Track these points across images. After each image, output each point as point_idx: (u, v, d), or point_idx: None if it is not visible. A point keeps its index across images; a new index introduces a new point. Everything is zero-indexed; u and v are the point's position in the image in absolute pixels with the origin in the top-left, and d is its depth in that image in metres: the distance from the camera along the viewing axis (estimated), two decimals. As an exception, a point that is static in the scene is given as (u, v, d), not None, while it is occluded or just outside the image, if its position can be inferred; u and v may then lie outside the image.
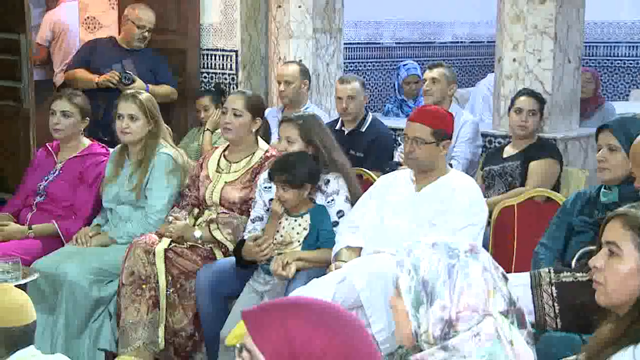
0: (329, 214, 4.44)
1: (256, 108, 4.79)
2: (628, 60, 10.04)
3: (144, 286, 4.54)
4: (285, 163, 4.37)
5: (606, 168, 3.81)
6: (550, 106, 5.56)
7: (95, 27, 8.82)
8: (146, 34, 6.54)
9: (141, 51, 6.63)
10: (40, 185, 5.24)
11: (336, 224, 4.42)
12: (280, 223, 4.43)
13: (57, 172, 5.23)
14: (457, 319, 2.15)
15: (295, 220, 4.42)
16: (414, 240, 2.29)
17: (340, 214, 4.44)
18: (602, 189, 3.88)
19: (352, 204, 4.48)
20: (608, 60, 10.07)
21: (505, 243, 4.54)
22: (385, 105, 7.88)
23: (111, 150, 5.25)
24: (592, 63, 9.48)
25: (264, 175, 4.62)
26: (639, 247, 2.46)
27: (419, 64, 7.61)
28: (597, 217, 3.80)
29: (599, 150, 3.85)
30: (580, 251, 3.77)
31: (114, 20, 7.56)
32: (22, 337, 2.90)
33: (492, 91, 6.59)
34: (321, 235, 4.39)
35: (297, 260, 4.29)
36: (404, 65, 7.57)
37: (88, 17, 8.97)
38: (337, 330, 1.74)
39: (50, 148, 5.36)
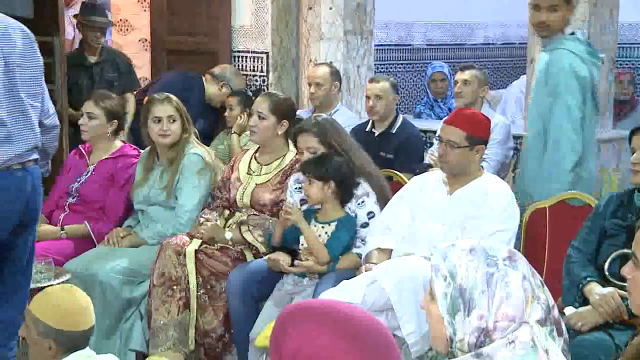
0: (355, 227, 4.42)
1: (282, 111, 4.77)
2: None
3: (174, 287, 4.55)
4: (318, 157, 4.42)
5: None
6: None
7: (127, 30, 8.87)
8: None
9: None
10: (72, 186, 5.26)
11: (366, 225, 4.42)
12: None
13: (89, 174, 5.25)
14: (494, 329, 2.11)
15: (323, 227, 4.41)
16: (449, 244, 2.24)
17: (371, 215, 4.42)
18: (637, 192, 3.83)
19: (379, 205, 4.47)
20: (641, 60, 9.98)
21: (537, 246, 4.49)
22: (416, 107, 7.88)
23: (142, 152, 5.27)
24: (626, 64, 9.38)
25: (295, 176, 4.62)
26: None
27: (449, 66, 7.59)
28: (631, 220, 3.76)
29: (633, 153, 3.79)
30: (613, 255, 3.73)
31: (146, 23, 7.59)
32: (82, 340, 2.92)
33: (524, 93, 6.55)
34: (334, 241, 4.38)
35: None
36: (431, 64, 7.60)
37: (120, 20, 9.03)
38: (358, 345, 1.73)
39: (82, 150, 5.38)
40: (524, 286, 2.14)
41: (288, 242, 4.43)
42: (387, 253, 4.26)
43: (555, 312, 2.20)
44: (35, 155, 3.71)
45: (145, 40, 7.57)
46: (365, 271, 4.13)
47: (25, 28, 3.77)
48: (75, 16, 6.99)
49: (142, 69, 7.84)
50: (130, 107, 6.55)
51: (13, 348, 3.99)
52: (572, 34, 4.78)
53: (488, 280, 2.13)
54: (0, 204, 3.52)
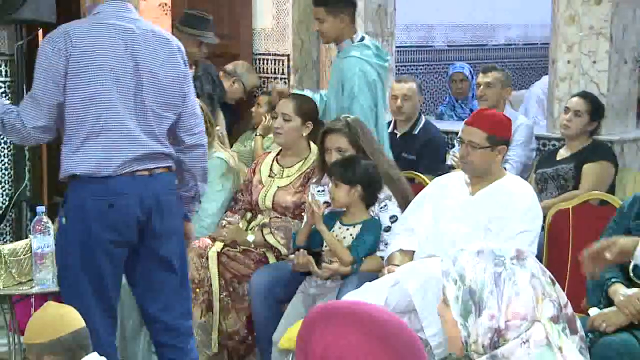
0: (380, 230, 4.41)
1: (307, 113, 4.79)
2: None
3: (197, 290, 4.56)
4: (346, 160, 4.41)
5: None
6: (606, 108, 5.47)
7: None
8: None
9: None
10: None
11: (389, 228, 4.41)
12: (332, 231, 4.42)
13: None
14: (506, 328, 2.11)
15: (347, 230, 4.41)
16: (459, 249, 2.25)
17: (394, 218, 4.41)
18: (663, 192, 3.82)
19: (401, 209, 4.46)
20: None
21: (560, 247, 4.48)
22: (438, 108, 7.87)
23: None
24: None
25: (313, 180, 4.64)
26: None
27: (471, 67, 7.58)
28: (657, 221, 3.75)
29: None
30: (638, 256, 3.72)
31: (167, 27, 7.62)
32: (77, 345, 2.94)
33: (546, 94, 6.53)
34: (358, 243, 4.36)
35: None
36: (452, 64, 7.60)
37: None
38: (386, 346, 1.73)
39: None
40: (532, 284, 2.14)
41: (313, 244, 4.43)
42: (410, 255, 4.25)
43: (569, 310, 2.19)
44: (167, 164, 3.65)
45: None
46: (388, 273, 4.13)
47: (174, 39, 3.76)
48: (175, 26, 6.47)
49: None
50: (220, 118, 6.44)
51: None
52: (362, 39, 5.23)
53: (496, 280, 2.14)
54: (119, 208, 3.50)
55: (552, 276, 2.20)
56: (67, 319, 3.00)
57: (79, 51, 3.45)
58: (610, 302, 3.70)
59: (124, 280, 4.64)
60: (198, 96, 6.11)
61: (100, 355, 3.19)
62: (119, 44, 3.50)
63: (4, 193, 6.23)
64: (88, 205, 3.50)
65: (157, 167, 3.59)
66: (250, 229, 4.81)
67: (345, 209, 4.43)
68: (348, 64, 5.08)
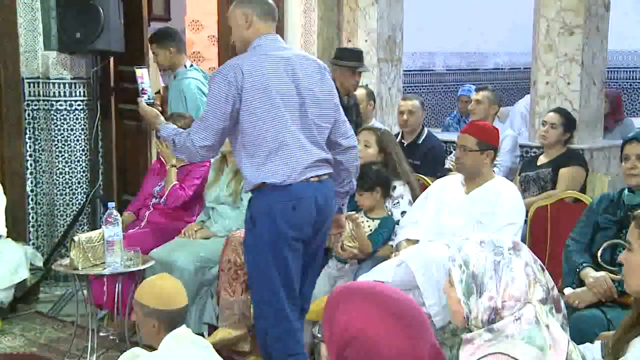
0: (393, 225, 4.40)
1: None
2: (644, 82, 9.93)
3: (239, 272, 4.57)
4: (360, 172, 4.38)
5: (636, 174, 3.70)
6: (578, 122, 5.45)
7: (199, 60, 8.93)
8: None
9: None
10: (155, 189, 5.31)
11: (399, 222, 4.40)
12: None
13: (168, 179, 5.29)
14: (503, 307, 2.12)
15: (368, 222, 4.42)
16: (463, 238, 2.25)
17: (404, 214, 4.41)
18: (626, 191, 3.78)
19: (411, 205, 4.47)
20: (627, 82, 9.92)
21: (541, 237, 4.47)
22: (446, 119, 7.89)
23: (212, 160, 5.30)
24: (614, 85, 9.31)
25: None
26: None
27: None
28: (620, 215, 3.73)
29: (627, 160, 3.74)
30: (605, 244, 3.70)
31: (214, 54, 7.65)
32: (179, 318, 2.95)
33: (528, 109, 6.51)
34: (377, 237, 4.38)
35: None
36: (462, 87, 7.63)
37: (193, 52, 9.09)
38: (399, 319, 1.73)
39: (163, 159, 5.42)
40: (526, 271, 2.13)
41: None
42: (414, 243, 4.25)
43: (555, 293, 2.19)
44: (328, 170, 3.62)
45: (214, 68, 7.62)
46: (394, 257, 4.14)
47: (318, 60, 3.73)
48: (330, 61, 5.96)
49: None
50: None
51: None
52: (192, 66, 5.83)
53: (495, 267, 2.13)
54: (301, 210, 3.47)
55: (542, 264, 2.20)
56: (181, 296, 3.01)
57: (250, 81, 3.40)
58: (581, 283, 3.68)
59: (182, 256, 4.68)
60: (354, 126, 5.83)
61: (289, 335, 3.35)
62: (281, 70, 3.47)
63: (82, 192, 6.27)
64: (275, 208, 3.45)
65: (323, 174, 3.57)
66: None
67: (362, 205, 4.43)
68: (186, 83, 5.65)
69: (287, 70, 3.50)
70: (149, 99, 3.89)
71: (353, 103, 5.78)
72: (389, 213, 4.43)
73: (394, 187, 4.45)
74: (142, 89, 3.91)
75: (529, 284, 2.13)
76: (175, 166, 5.18)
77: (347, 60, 5.64)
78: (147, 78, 3.95)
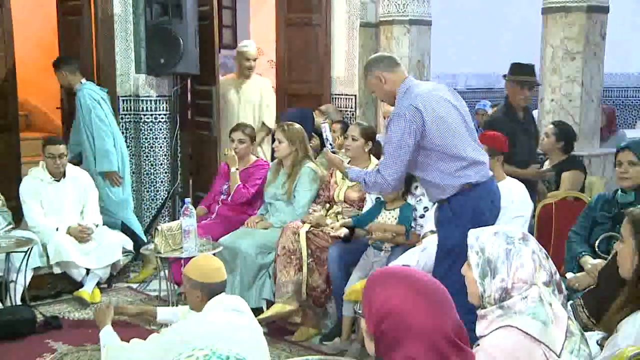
0: (411, 209, 4.35)
1: (368, 135, 4.75)
2: (635, 99, 9.84)
3: (292, 256, 4.57)
4: None
5: (627, 178, 3.63)
6: (578, 133, 5.34)
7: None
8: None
9: None
10: (223, 188, 5.34)
11: (422, 216, 4.35)
12: (380, 215, 4.39)
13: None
14: (512, 288, 2.12)
15: (389, 212, 4.37)
16: (481, 229, 2.25)
17: (426, 209, 4.36)
18: (619, 192, 3.71)
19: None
20: (619, 99, 9.79)
21: (546, 230, 4.40)
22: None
23: (270, 163, 5.32)
24: (609, 102, 9.17)
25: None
26: (633, 235, 2.46)
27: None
28: (614, 212, 3.67)
29: (620, 165, 3.66)
30: (601, 237, 3.64)
31: (273, 75, 7.65)
32: (220, 290, 2.96)
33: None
34: (403, 219, 4.32)
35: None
36: (479, 102, 7.58)
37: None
38: (428, 299, 1.72)
39: (227, 164, 5.46)
40: (533, 258, 2.13)
41: (363, 224, 4.40)
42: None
43: (557, 277, 2.19)
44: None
45: (273, 87, 7.65)
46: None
47: (453, 90, 3.65)
48: (504, 76, 5.50)
49: (270, 106, 7.94)
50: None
51: None
52: (87, 82, 5.72)
53: (507, 254, 2.13)
54: (496, 204, 3.44)
55: (546, 252, 2.20)
56: (221, 271, 3.01)
57: (430, 115, 3.32)
58: (581, 269, 3.63)
59: (245, 243, 4.70)
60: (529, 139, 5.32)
61: None
62: (445, 99, 3.43)
63: (164, 190, 6.34)
64: (481, 205, 3.40)
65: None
66: (328, 215, 4.81)
67: (386, 200, 4.38)
68: (82, 94, 5.60)
69: (448, 97, 3.45)
70: (332, 148, 3.89)
71: (531, 118, 5.37)
72: (415, 208, 4.39)
73: (416, 187, 4.41)
74: (327, 139, 3.94)
75: (535, 268, 2.12)
76: (238, 169, 5.21)
77: (516, 75, 5.22)
78: (329, 131, 3.97)
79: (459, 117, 3.44)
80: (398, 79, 3.48)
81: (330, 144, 3.93)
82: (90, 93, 5.60)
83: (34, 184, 5.21)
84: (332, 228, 4.52)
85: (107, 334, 3.19)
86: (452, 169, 3.38)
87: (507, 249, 2.14)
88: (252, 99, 6.87)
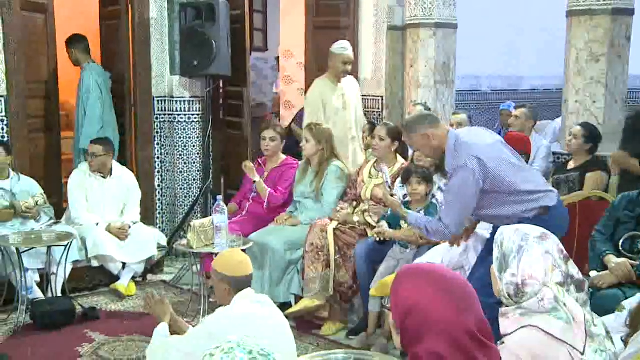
0: (436, 208, 4.32)
1: (395, 135, 4.74)
2: (659, 100, 9.64)
3: (320, 253, 4.58)
4: (421, 167, 4.34)
5: None
6: (602, 134, 5.27)
7: (290, 82, 8.97)
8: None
9: None
10: (253, 185, 5.36)
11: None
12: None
13: (264, 177, 5.34)
14: (524, 285, 2.12)
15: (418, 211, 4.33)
16: (509, 226, 2.27)
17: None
18: (642, 192, 3.67)
19: None
20: (644, 101, 9.65)
21: (570, 229, 4.32)
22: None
23: (299, 162, 5.33)
24: (633, 103, 9.02)
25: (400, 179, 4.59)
26: None
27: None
28: (638, 212, 3.63)
29: None
30: (625, 236, 3.62)
31: (302, 77, 7.66)
32: (246, 284, 2.96)
33: (559, 124, 6.35)
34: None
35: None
36: (504, 103, 7.53)
37: (285, 75, 9.11)
38: (452, 295, 1.71)
39: (260, 161, 5.48)
40: (545, 257, 2.13)
41: (391, 225, 4.39)
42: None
43: (580, 276, 2.18)
44: None
45: (301, 88, 7.66)
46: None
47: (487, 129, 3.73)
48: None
49: (297, 107, 7.96)
50: None
51: None
52: (93, 61, 5.97)
53: (518, 250, 2.14)
54: (564, 227, 3.48)
55: (567, 255, 2.20)
56: (247, 265, 3.01)
57: (490, 163, 3.33)
58: (604, 267, 3.60)
59: (274, 240, 4.71)
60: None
61: None
62: (490, 142, 3.45)
63: (196, 187, 6.39)
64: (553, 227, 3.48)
65: None
66: (356, 213, 4.80)
67: (411, 200, 4.34)
68: (86, 74, 5.84)
69: (493, 141, 3.46)
70: (391, 190, 3.97)
71: None
72: (436, 200, 4.34)
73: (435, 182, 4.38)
74: (387, 182, 4.00)
75: (549, 267, 2.12)
76: (259, 179, 5.19)
77: None
78: (388, 174, 4.07)
79: (508, 155, 3.44)
80: (443, 134, 3.46)
81: (389, 187, 3.94)
82: (93, 74, 5.84)
83: (81, 178, 5.32)
84: (379, 226, 4.43)
85: (164, 329, 3.19)
86: (524, 199, 3.37)
87: (520, 245, 2.15)
88: (352, 101, 6.20)
